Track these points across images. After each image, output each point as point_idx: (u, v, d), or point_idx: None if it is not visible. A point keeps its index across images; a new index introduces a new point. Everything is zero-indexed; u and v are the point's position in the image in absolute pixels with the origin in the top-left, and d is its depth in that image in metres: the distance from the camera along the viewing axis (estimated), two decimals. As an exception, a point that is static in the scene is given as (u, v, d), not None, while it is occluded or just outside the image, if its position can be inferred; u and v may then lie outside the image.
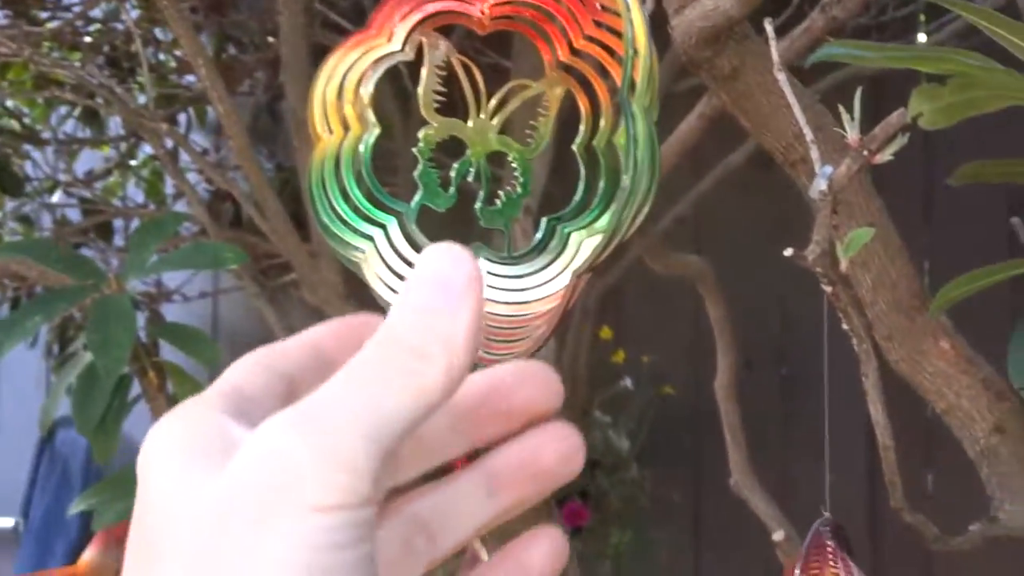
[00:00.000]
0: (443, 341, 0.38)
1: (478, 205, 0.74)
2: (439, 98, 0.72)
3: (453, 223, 0.73)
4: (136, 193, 3.10)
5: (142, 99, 2.71)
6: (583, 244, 0.72)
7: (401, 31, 0.71)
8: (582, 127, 0.74)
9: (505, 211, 0.74)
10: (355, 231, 0.71)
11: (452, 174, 0.72)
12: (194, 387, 1.89)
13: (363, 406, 0.37)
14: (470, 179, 0.72)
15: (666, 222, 2.30)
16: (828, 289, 1.04)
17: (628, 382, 2.84)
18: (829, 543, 1.13)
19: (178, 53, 2.67)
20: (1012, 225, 1.68)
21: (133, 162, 3.01)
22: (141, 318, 2.01)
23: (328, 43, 2.38)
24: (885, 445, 1.11)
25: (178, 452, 0.38)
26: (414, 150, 0.72)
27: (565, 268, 0.71)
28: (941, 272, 1.29)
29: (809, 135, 1.04)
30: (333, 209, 0.70)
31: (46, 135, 2.79)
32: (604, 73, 0.72)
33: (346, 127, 0.71)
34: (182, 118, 2.93)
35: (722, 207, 2.53)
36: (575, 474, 0.46)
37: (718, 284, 1.80)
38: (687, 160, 2.57)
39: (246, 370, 0.41)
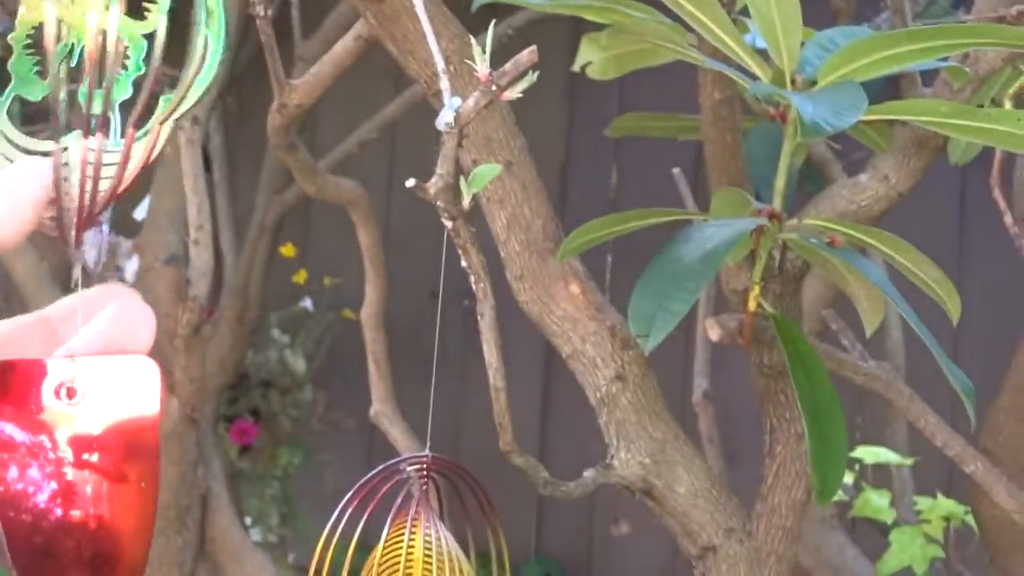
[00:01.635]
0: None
1: (80, 91, 0.67)
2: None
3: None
4: None
5: None
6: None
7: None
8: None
9: (112, 92, 0.67)
10: None
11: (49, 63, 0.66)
12: None
13: None
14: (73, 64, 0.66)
15: (349, 144, 2.26)
16: (448, 224, 1.02)
17: (308, 303, 2.80)
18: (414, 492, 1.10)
19: None
20: (673, 176, 1.69)
21: None
22: None
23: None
24: (496, 387, 1.10)
25: None
26: (8, 38, 0.65)
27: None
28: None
29: (440, 64, 1.01)
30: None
31: None
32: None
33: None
34: None
35: (422, 131, 2.49)
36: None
37: (372, 210, 1.77)
38: (388, 81, 2.54)
39: None
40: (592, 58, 1.53)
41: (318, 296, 2.84)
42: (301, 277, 2.82)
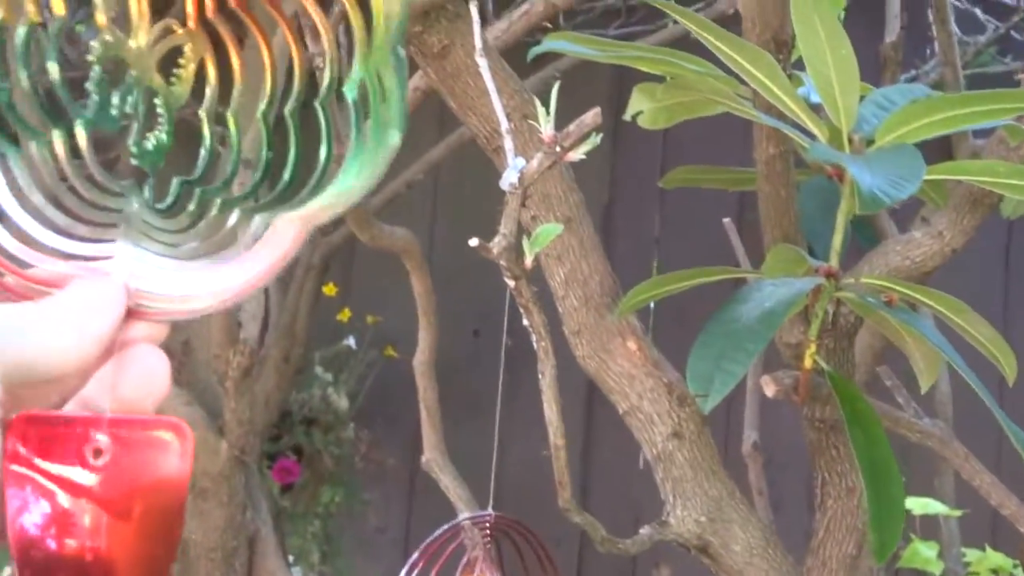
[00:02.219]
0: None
1: (131, 139, 0.64)
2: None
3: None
4: None
5: None
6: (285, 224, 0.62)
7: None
8: (236, 92, 0.65)
9: (152, 155, 0.64)
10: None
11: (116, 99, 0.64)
12: None
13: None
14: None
15: (397, 184, 2.27)
16: (511, 283, 1.03)
17: (351, 341, 2.81)
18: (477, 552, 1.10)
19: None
20: (724, 226, 1.69)
21: None
22: None
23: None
24: (556, 445, 1.10)
25: None
26: (89, 58, 0.63)
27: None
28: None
29: (505, 124, 1.02)
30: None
31: None
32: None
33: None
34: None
35: (464, 173, 2.50)
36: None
37: (424, 259, 1.78)
38: (432, 123, 2.55)
39: None
40: (643, 108, 1.53)
41: (361, 334, 2.84)
42: (345, 315, 2.83)
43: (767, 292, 1.16)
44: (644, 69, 1.39)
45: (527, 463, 2.60)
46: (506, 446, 2.75)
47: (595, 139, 1.00)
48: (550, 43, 1.33)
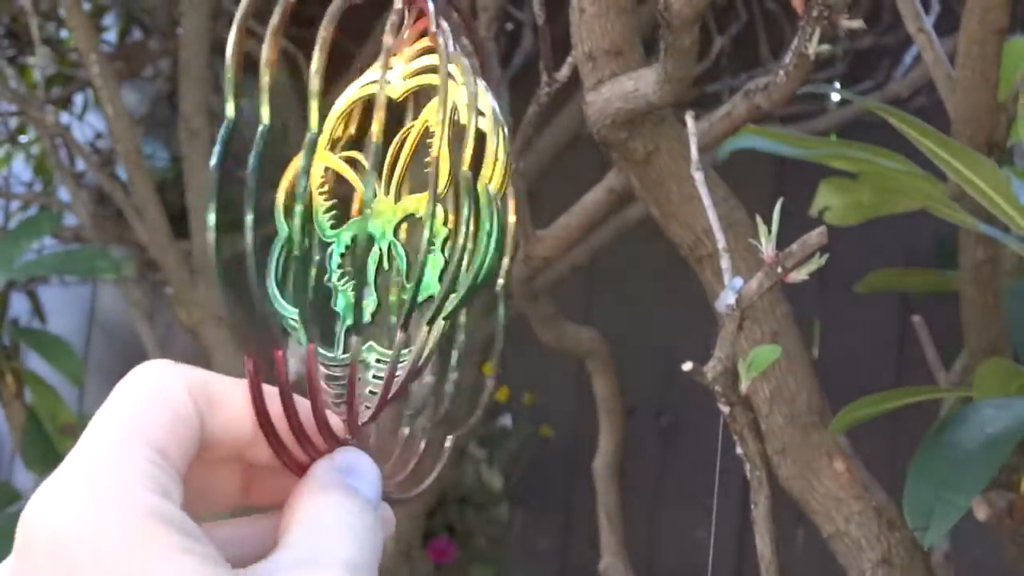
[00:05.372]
0: None
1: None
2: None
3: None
4: (23, 169, 3.00)
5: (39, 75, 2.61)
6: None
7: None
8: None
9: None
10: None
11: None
12: (53, 399, 1.80)
13: None
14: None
15: (563, 267, 2.23)
16: (725, 410, 0.97)
17: (507, 420, 2.77)
18: None
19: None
20: (914, 323, 1.63)
21: (23, 138, 2.90)
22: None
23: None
24: (769, 579, 1.04)
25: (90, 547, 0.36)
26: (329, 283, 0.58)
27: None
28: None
29: (722, 241, 0.97)
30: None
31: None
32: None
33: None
34: (78, 98, 2.84)
35: (617, 251, 2.46)
36: None
37: (610, 360, 1.73)
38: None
39: (164, 425, 0.40)
40: (831, 203, 1.48)
41: (515, 413, 2.80)
42: (502, 394, 2.79)
43: (988, 415, 1.09)
44: (841, 167, 1.34)
45: (679, 542, 2.54)
46: (658, 526, 2.70)
47: (820, 260, 0.95)
48: (742, 141, 1.29)
